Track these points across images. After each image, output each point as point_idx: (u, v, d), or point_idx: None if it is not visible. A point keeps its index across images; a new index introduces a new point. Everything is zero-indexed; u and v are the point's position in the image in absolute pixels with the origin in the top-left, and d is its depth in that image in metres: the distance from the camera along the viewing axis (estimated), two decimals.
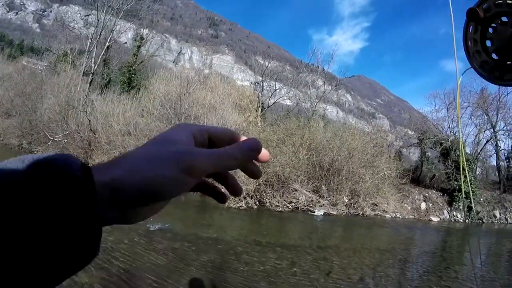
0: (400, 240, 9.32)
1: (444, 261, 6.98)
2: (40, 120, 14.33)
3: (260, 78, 23.94)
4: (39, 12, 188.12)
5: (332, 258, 5.86)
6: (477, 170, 18.23)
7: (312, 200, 11.24)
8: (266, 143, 11.30)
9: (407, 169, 16.21)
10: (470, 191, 10.45)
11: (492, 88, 21.07)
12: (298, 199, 11.09)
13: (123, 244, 4.78)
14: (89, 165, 0.26)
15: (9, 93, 18.08)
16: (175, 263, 4.43)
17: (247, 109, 18.69)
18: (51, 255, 0.21)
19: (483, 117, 18.62)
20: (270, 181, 10.76)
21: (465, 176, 8.64)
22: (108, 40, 21.30)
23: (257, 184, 10.27)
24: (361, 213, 11.63)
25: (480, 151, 18.39)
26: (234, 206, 9.69)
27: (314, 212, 10.77)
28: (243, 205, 9.90)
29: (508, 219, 15.09)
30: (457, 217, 14.41)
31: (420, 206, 14.24)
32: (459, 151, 14.84)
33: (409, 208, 13.90)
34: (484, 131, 18.66)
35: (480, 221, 14.63)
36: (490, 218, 15.00)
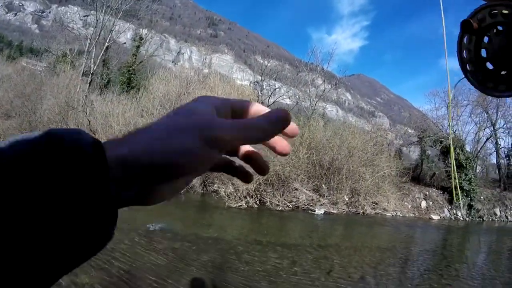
0: (401, 238, 9.32)
1: (444, 259, 6.97)
2: (39, 121, 14.32)
3: (260, 78, 23.90)
4: (38, 13, 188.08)
5: (333, 257, 5.85)
6: (477, 168, 18.25)
7: (312, 199, 11.24)
8: None
9: (407, 167, 16.21)
10: (459, 191, 10.74)
11: None
12: (298, 198, 11.08)
13: (123, 244, 4.77)
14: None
15: (9, 94, 18.01)
16: (175, 263, 4.42)
17: None
18: (61, 229, 0.20)
19: (483, 115, 18.68)
20: (270, 180, 10.76)
21: (455, 178, 8.83)
22: (107, 40, 21.31)
23: (258, 183, 10.28)
24: (361, 211, 11.64)
25: (480, 149, 18.43)
26: (235, 205, 9.68)
27: (315, 211, 10.76)
28: (244, 204, 9.89)
29: (509, 217, 15.12)
30: (458, 215, 14.42)
31: (420, 205, 14.24)
32: (458, 149, 14.86)
33: (409, 206, 13.91)
34: (484, 129, 18.73)
35: (481, 219, 14.64)
36: (491, 216, 15.01)
